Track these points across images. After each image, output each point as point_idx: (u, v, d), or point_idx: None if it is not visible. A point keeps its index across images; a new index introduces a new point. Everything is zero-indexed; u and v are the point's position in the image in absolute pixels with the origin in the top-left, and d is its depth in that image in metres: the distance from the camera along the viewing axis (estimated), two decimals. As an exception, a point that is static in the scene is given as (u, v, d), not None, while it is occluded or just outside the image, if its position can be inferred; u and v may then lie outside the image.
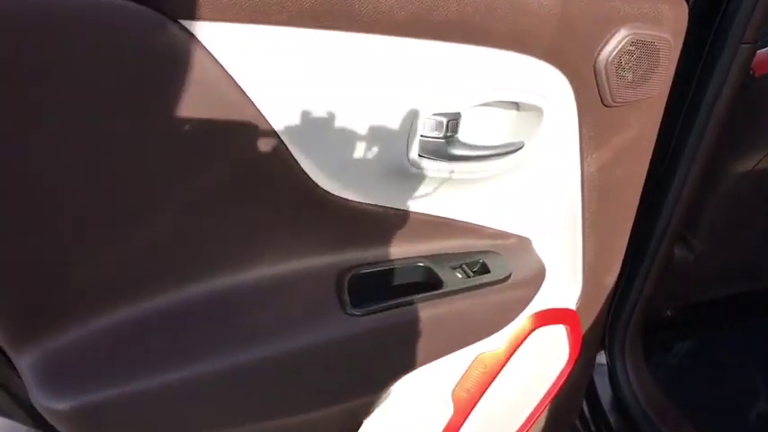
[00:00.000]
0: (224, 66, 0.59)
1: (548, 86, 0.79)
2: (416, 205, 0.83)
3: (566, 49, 0.76)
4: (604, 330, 1.44)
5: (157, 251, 0.67)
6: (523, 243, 0.97)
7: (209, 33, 0.57)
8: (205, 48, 0.57)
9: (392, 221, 0.82)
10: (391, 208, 0.81)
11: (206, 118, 0.60)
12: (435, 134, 0.73)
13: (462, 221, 0.90)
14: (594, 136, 0.87)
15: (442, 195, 0.85)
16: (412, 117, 0.70)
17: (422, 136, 0.73)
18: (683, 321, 1.86)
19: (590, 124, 0.85)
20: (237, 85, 0.60)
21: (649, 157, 0.96)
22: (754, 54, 1.04)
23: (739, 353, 1.83)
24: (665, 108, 1.00)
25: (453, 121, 0.73)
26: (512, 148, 0.81)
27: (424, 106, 0.70)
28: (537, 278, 0.95)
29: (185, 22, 0.55)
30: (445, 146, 0.75)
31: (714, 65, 1.04)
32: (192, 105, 0.59)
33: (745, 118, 1.25)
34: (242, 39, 0.58)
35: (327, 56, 0.63)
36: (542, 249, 0.99)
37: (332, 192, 0.74)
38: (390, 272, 0.84)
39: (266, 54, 0.60)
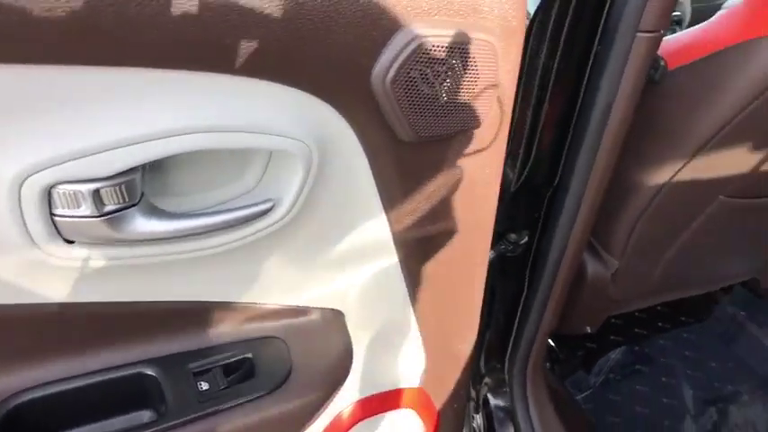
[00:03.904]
0: None
1: (306, 122, 0.51)
2: (134, 293, 0.56)
3: (313, 65, 0.47)
4: (475, 398, 1.26)
5: None
6: (329, 319, 0.70)
7: None
8: None
9: (78, 321, 0.54)
10: (70, 303, 0.53)
11: None
12: (82, 211, 0.44)
13: (225, 302, 0.62)
14: (399, 183, 0.59)
15: (176, 275, 0.57)
16: (15, 185, 0.41)
17: (55, 215, 0.44)
18: (605, 336, 1.68)
19: (388, 169, 0.58)
20: None
21: (496, 194, 0.69)
22: (656, 45, 0.77)
23: (665, 362, 1.67)
24: (555, 112, 0.80)
25: (116, 186, 0.45)
26: (247, 213, 0.52)
27: (37, 168, 0.42)
28: (339, 364, 0.69)
29: None
30: (113, 223, 0.46)
31: (606, 59, 0.78)
32: None
33: (657, 120, 0.99)
34: None
35: None
36: (359, 324, 0.73)
37: None
38: (85, 390, 0.56)
39: None
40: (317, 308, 0.69)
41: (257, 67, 0.46)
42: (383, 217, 0.62)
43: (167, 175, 0.52)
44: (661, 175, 1.05)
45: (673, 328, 1.77)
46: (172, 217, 0.50)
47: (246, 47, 0.44)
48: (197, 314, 0.61)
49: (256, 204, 0.53)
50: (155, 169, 0.50)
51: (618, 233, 1.20)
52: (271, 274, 0.63)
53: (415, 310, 0.73)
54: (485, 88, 0.55)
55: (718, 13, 0.91)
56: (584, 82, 0.83)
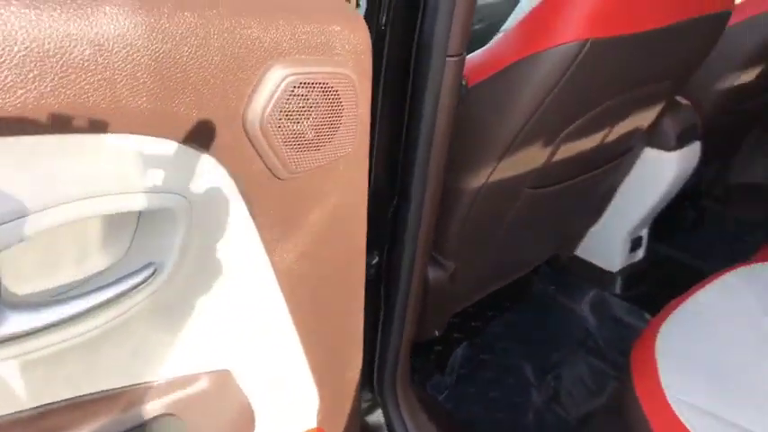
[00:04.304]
0: None
1: (182, 173, 0.48)
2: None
3: (186, 114, 0.45)
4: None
5: None
6: (219, 382, 0.66)
7: None
8: None
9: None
10: None
11: None
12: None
13: (105, 390, 0.55)
14: (279, 221, 0.59)
15: (48, 373, 0.49)
16: None
17: None
18: (447, 336, 1.81)
19: (266, 209, 0.57)
20: None
21: (365, 219, 0.72)
22: (462, 66, 0.87)
23: (502, 346, 1.85)
24: (385, 137, 0.85)
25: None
26: (129, 284, 0.48)
27: None
28: (241, 426, 0.65)
29: None
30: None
31: (424, 85, 0.86)
32: None
33: (468, 133, 1.11)
34: None
35: None
36: (252, 378, 0.69)
37: None
38: None
39: None
40: (205, 372, 0.65)
41: (127, 123, 0.42)
42: (266, 260, 0.61)
43: (24, 256, 0.45)
44: (478, 180, 1.18)
45: (500, 314, 1.97)
46: (42, 306, 0.43)
47: (115, 102, 0.41)
48: (76, 411, 0.52)
49: (136, 273, 0.48)
50: (8, 252, 0.43)
51: (450, 237, 1.31)
52: (152, 346, 0.58)
53: (304, 349, 0.72)
54: (349, 117, 0.57)
55: (499, 35, 1.06)
56: (407, 106, 0.90)
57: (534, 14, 0.99)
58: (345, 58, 0.56)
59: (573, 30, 0.93)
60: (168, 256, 0.50)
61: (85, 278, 0.49)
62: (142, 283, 0.48)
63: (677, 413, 0.98)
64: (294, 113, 0.52)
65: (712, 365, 1.05)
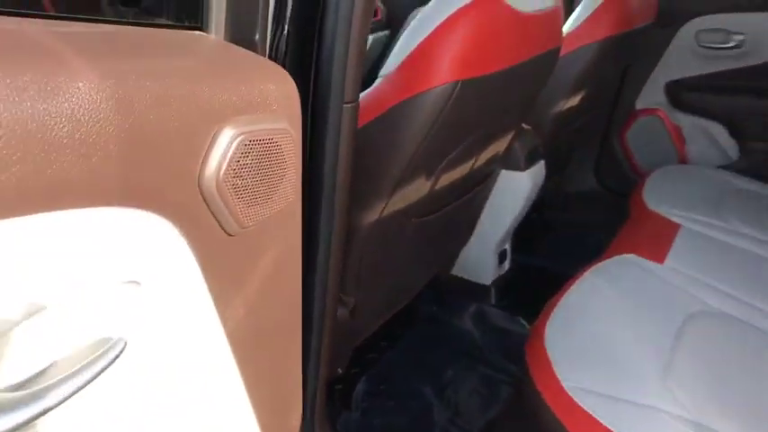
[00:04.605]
0: None
1: (144, 241, 0.47)
2: None
3: (150, 180, 0.45)
4: None
5: None
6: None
7: None
8: None
9: None
10: None
11: None
12: None
13: None
14: (228, 278, 0.59)
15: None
16: None
17: None
18: (347, 372, 1.83)
19: (217, 266, 0.57)
20: None
21: (300, 266, 0.74)
22: (358, 111, 0.94)
23: (399, 373, 1.90)
24: None
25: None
26: (102, 365, 0.46)
27: None
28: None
29: None
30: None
31: (324, 132, 0.90)
32: None
33: (359, 173, 1.18)
34: None
35: None
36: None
37: None
38: None
39: None
40: None
41: (99, 196, 0.42)
42: (216, 318, 0.60)
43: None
44: (372, 216, 1.25)
45: (393, 342, 2.03)
46: (10, 408, 0.40)
47: (89, 176, 0.40)
48: None
49: (107, 351, 0.46)
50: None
51: (349, 273, 1.35)
52: (103, 429, 0.54)
53: (251, 403, 0.71)
54: (290, 169, 0.60)
55: (379, 80, 1.15)
56: (307, 153, 0.94)
57: (410, 61, 1.09)
58: (282, 114, 0.59)
59: (445, 73, 1.05)
60: (128, 327, 0.48)
61: (50, 364, 0.45)
62: (115, 359, 0.46)
63: (575, 399, 1.10)
64: (244, 170, 0.54)
65: (597, 353, 1.21)
